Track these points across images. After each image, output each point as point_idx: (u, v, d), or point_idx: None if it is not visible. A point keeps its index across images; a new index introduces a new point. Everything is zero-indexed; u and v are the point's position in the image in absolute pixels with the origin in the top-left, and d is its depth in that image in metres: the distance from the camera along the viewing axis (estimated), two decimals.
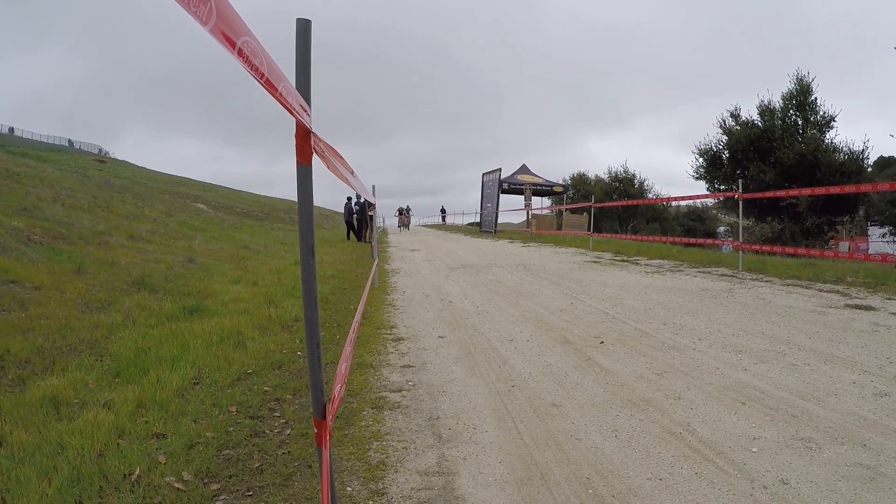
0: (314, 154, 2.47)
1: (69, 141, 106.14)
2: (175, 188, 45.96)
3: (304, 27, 2.37)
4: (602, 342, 6.03)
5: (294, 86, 2.30)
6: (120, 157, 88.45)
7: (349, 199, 26.64)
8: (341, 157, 3.98)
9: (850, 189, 11.82)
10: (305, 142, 2.33)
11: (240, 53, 1.67)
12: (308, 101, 2.38)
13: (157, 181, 50.54)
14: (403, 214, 50.18)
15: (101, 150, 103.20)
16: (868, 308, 7.34)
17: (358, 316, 5.09)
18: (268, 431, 3.81)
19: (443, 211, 66.12)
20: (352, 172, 4.90)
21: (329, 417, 2.54)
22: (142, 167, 75.02)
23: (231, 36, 1.64)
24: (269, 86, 1.89)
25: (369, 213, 19.89)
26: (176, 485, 3.03)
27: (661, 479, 3.07)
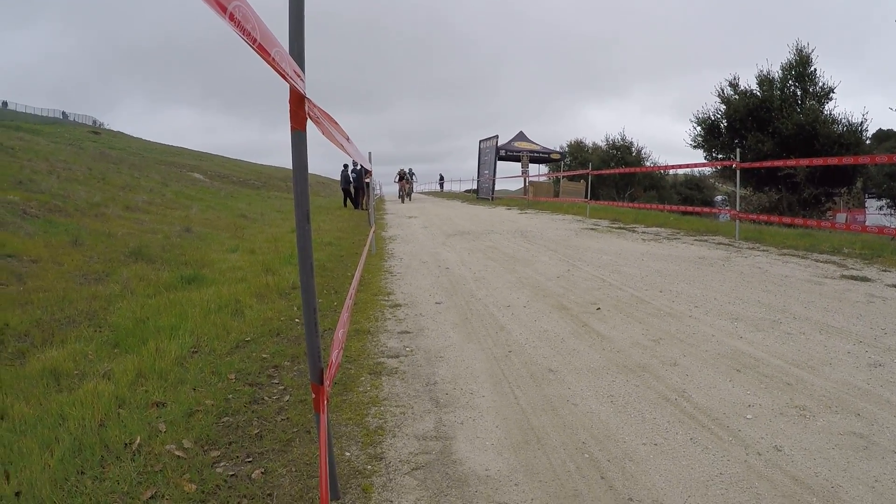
0: (308, 120, 2.46)
1: (63, 113, 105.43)
2: (171, 158, 45.78)
3: None
4: (598, 308, 6.05)
5: (287, 51, 2.27)
6: (115, 129, 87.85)
7: (345, 166, 26.57)
8: (336, 123, 3.95)
9: (847, 161, 11.75)
10: (299, 107, 2.32)
11: (231, 18, 1.65)
12: (302, 66, 2.36)
13: (152, 151, 50.30)
14: (405, 180, 38.06)
15: (95, 122, 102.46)
16: (864, 279, 7.35)
17: (355, 283, 5.10)
18: (266, 398, 3.84)
19: (441, 178, 66.01)
20: (347, 139, 4.87)
21: (327, 383, 2.56)
22: (137, 138, 74.58)
23: (223, 1, 1.61)
24: (262, 51, 1.87)
25: (365, 181, 19.83)
26: (176, 452, 3.06)
27: (656, 445, 3.10)
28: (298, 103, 2.30)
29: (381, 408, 3.66)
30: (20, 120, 59.47)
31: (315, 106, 2.76)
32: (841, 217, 32.07)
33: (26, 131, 36.74)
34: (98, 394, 3.73)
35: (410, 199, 38.93)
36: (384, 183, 50.93)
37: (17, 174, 14.48)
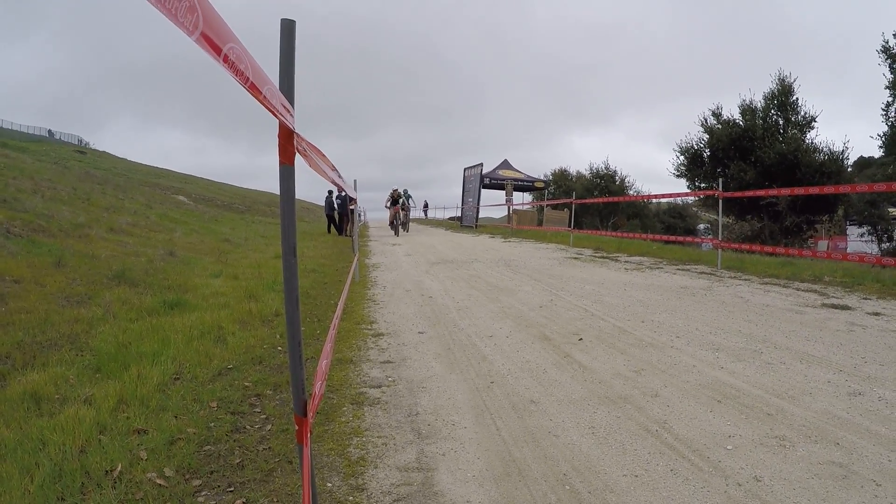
0: (297, 154, 2.51)
1: (49, 131, 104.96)
2: (156, 180, 45.68)
3: (288, 28, 2.40)
4: (581, 339, 6.10)
5: (278, 86, 2.33)
6: (100, 149, 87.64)
7: (330, 192, 26.69)
8: (323, 154, 4.02)
9: (829, 190, 12.01)
10: (288, 142, 2.36)
11: (225, 59, 1.71)
12: (291, 101, 2.41)
13: (137, 173, 50.19)
14: (400, 205, 29.35)
15: (81, 141, 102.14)
16: (844, 307, 7.46)
17: (338, 312, 5.12)
18: (248, 427, 3.84)
19: (425, 205, 66.16)
20: (333, 168, 4.94)
21: (310, 415, 2.58)
22: (122, 158, 74.45)
23: (217, 43, 1.67)
24: (254, 89, 1.92)
25: (350, 207, 19.90)
26: (158, 481, 3.05)
27: (636, 476, 3.13)
28: (287, 138, 2.35)
29: (364, 438, 3.67)
30: (6, 136, 59.23)
31: (303, 140, 2.81)
32: (823, 244, 32.46)
33: (11, 148, 36.55)
34: (79, 419, 3.71)
35: (406, 231, 29.92)
36: (369, 209, 50.18)
37: (2, 192, 14.40)
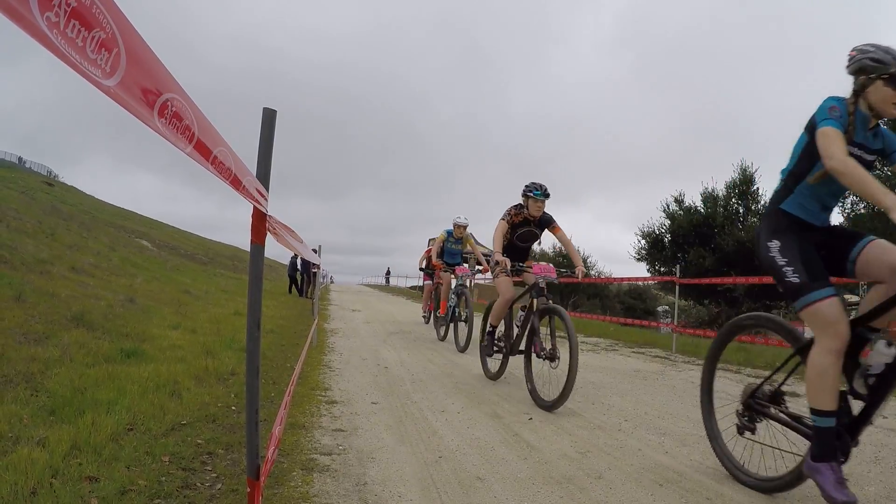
0: (268, 234, 2.71)
1: (19, 158, 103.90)
2: (121, 221, 45.27)
3: (269, 117, 2.61)
4: (531, 419, 6.24)
5: (255, 174, 2.54)
6: (69, 182, 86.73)
7: (295, 255, 26.89)
8: (291, 230, 4.25)
9: None
10: (261, 223, 2.57)
11: (213, 161, 1.93)
12: (267, 186, 2.62)
13: (103, 212, 49.69)
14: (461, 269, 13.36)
15: (49, 172, 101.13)
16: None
17: (294, 378, 5.24)
18: (199, 484, 3.91)
19: (387, 272, 66.28)
20: (300, 241, 5.17)
21: (262, 478, 2.72)
22: (89, 195, 73.63)
23: (209, 147, 1.90)
24: (235, 183, 2.14)
25: (313, 271, 20.06)
26: None
27: None
28: (260, 220, 2.56)
29: None
30: None
31: (275, 220, 3.02)
32: None
33: None
34: (32, 461, 3.75)
35: (466, 342, 11.06)
36: (335, 272, 49.65)
37: None
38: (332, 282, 41.96)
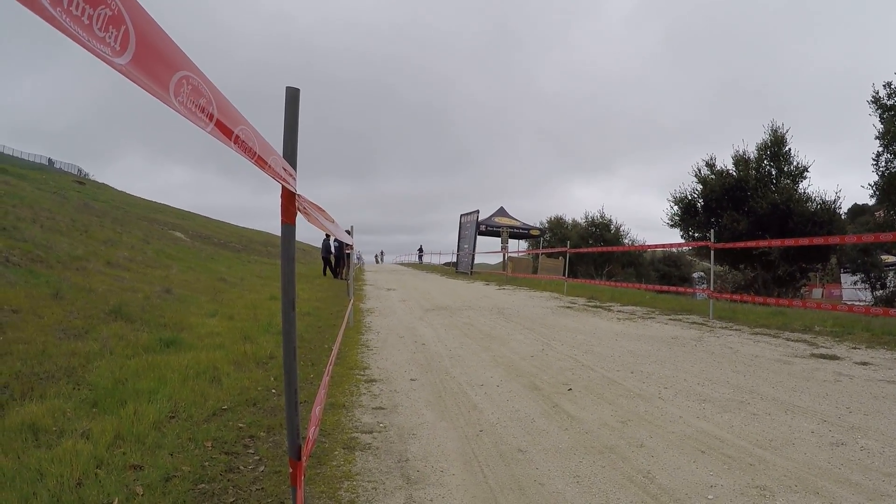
0: (297, 213, 2.67)
1: (49, 160, 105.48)
2: (153, 215, 45.75)
3: (292, 96, 2.56)
4: (570, 389, 6.19)
5: (281, 153, 2.49)
6: (99, 180, 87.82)
7: (327, 236, 26.89)
8: (322, 209, 4.19)
9: (818, 241, 12.19)
10: (290, 203, 2.53)
11: (236, 140, 1.88)
12: (294, 165, 2.57)
13: (135, 207, 50.26)
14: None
15: (80, 171, 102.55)
16: (833, 357, 7.60)
17: (332, 358, 5.23)
18: (242, 468, 3.92)
19: (420, 250, 66.37)
20: (331, 221, 5.12)
21: (304, 458, 2.69)
22: (120, 191, 74.55)
23: (230, 126, 1.84)
24: (260, 162, 2.09)
25: (346, 252, 20.03)
26: None
27: None
28: (289, 199, 2.51)
29: (354, 482, 3.76)
30: (7, 163, 59.32)
31: (304, 199, 2.97)
32: (817, 292, 32.59)
33: (12, 175, 36.68)
34: (77, 452, 3.80)
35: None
36: (365, 252, 49.43)
37: (2, 220, 14.52)
38: (359, 262, 41.32)
